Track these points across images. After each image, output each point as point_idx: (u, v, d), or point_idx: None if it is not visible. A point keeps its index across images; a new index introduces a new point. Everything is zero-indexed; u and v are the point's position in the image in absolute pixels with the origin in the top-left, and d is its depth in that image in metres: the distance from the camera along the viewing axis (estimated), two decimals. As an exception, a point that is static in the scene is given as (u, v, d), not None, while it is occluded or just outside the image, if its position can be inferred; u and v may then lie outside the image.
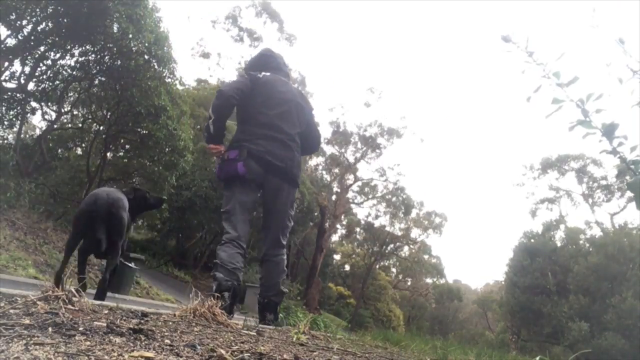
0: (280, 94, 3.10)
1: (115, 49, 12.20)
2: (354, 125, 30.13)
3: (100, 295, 3.45)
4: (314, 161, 31.71)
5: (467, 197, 76.46)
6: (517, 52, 1.58)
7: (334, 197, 30.71)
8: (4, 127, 13.55)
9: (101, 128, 15.17)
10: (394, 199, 31.75)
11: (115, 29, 11.71)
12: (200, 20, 32.60)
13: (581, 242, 20.68)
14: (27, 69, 12.52)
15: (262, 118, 3.00)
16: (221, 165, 3.01)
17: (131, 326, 1.51)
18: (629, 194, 23.42)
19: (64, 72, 13.31)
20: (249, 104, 3.04)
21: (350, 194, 31.73)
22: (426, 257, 36.19)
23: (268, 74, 3.17)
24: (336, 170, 31.19)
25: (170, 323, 1.89)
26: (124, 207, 3.47)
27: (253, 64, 3.38)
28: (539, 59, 1.56)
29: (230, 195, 2.97)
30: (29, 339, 1.17)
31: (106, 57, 12.94)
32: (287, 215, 3.04)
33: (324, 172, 32.06)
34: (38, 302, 1.61)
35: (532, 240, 21.87)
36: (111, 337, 1.36)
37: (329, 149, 30.96)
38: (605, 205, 26.08)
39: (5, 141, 14.72)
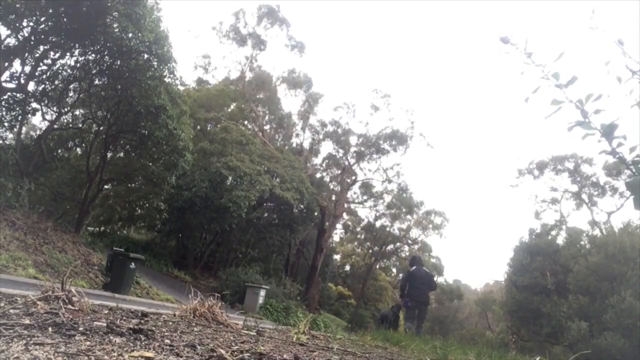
0: (421, 276, 9.19)
1: (115, 48, 12.18)
2: (358, 128, 30.19)
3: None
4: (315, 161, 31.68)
5: (467, 197, 76.47)
6: (516, 54, 1.58)
7: (333, 197, 30.66)
8: (4, 128, 13.53)
9: (101, 128, 15.13)
10: (394, 200, 31.71)
11: (115, 28, 11.69)
12: (203, 26, 32.86)
13: (582, 242, 20.60)
14: (27, 69, 12.51)
15: (415, 284, 9.06)
16: (404, 303, 9.27)
17: (131, 326, 1.51)
18: (624, 192, 23.42)
19: (64, 72, 13.29)
20: (411, 281, 9.16)
21: (350, 194, 31.69)
22: (426, 257, 36.16)
23: (415, 267, 9.37)
24: (337, 171, 31.12)
25: (170, 323, 1.89)
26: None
27: (410, 261, 10.50)
28: (538, 60, 1.55)
29: (409, 312, 9.15)
30: (29, 339, 1.18)
31: (106, 57, 12.92)
32: (424, 314, 9.11)
33: (324, 173, 31.98)
34: (38, 302, 1.61)
35: (534, 239, 21.78)
36: (111, 337, 1.36)
37: (327, 149, 30.95)
38: (602, 204, 26.08)
39: (6, 141, 14.69)
